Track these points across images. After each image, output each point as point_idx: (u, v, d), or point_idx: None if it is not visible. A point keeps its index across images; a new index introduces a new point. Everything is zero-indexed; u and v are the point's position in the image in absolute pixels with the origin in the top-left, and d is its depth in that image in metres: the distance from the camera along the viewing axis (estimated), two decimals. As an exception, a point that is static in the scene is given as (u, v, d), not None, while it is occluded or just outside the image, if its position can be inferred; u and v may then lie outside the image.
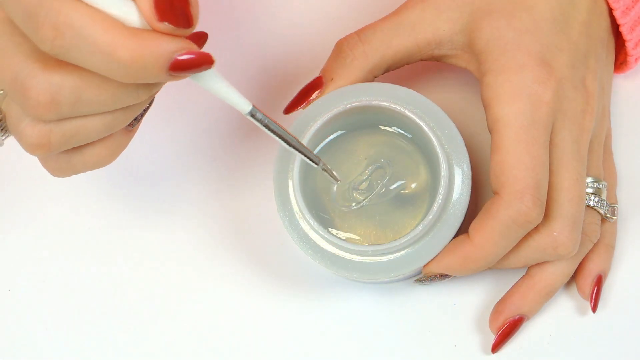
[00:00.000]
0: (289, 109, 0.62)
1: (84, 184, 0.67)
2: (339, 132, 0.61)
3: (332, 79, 0.61)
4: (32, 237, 0.67)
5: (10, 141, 0.54)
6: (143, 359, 0.65)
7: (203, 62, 0.49)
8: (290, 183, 0.59)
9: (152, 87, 0.50)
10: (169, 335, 0.65)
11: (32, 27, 0.47)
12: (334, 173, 0.59)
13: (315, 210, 0.59)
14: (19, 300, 0.66)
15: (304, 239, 0.59)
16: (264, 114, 0.53)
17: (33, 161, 0.68)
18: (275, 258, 0.65)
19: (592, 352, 0.63)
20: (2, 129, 0.53)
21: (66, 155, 0.53)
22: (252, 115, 0.53)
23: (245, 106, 0.52)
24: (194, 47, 0.48)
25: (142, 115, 0.54)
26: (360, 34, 0.61)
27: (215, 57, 0.49)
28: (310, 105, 0.61)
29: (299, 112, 0.61)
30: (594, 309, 0.62)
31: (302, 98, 0.62)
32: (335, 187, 0.60)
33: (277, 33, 0.69)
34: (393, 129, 0.61)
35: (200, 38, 0.56)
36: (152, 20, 0.47)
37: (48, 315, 0.66)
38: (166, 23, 0.47)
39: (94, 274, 0.66)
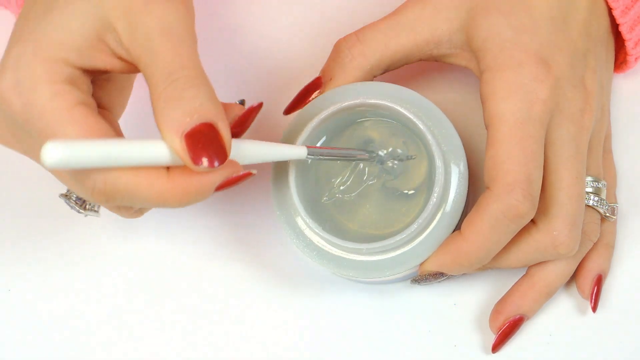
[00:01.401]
0: (289, 110, 0.62)
1: (85, 185, 0.68)
2: (325, 137, 0.61)
3: (331, 79, 0.61)
4: (32, 237, 0.67)
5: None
6: (143, 358, 0.65)
7: (243, 178, 0.51)
8: (287, 181, 0.59)
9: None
10: (168, 335, 0.65)
11: (84, 193, 0.50)
12: (398, 153, 0.60)
13: (312, 208, 0.59)
14: (19, 300, 0.66)
15: (300, 236, 0.59)
16: (318, 149, 0.57)
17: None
18: (274, 258, 0.65)
19: (592, 352, 0.63)
20: (91, 207, 0.59)
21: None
22: (312, 154, 0.56)
23: (302, 153, 0.55)
24: (235, 169, 0.50)
25: None
26: (359, 34, 0.61)
27: (254, 171, 0.52)
28: (307, 105, 0.61)
29: (297, 112, 0.61)
30: (594, 309, 0.62)
31: (302, 98, 0.62)
32: (335, 181, 0.61)
33: (277, 33, 0.69)
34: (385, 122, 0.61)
35: (253, 111, 0.56)
36: (190, 164, 0.49)
37: (48, 315, 0.66)
38: (201, 165, 0.49)
39: (94, 274, 0.66)
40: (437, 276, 0.60)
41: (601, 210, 0.61)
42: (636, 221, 0.64)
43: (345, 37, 0.61)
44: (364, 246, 0.57)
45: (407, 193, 0.60)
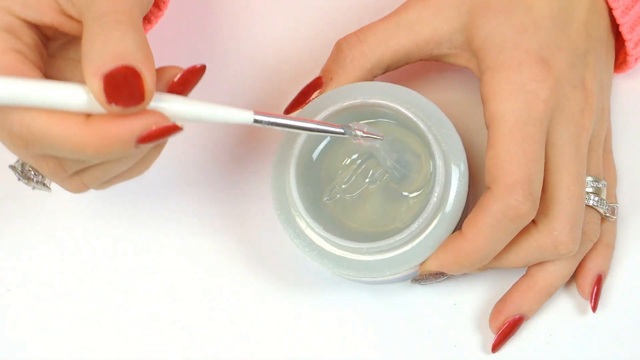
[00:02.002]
0: (289, 110, 0.62)
1: (85, 185, 0.68)
2: (329, 139, 0.61)
3: (331, 79, 0.61)
4: (32, 237, 0.67)
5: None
6: (143, 357, 0.65)
7: (171, 132, 0.49)
8: (287, 180, 0.59)
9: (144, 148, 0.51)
10: (168, 335, 0.65)
11: (4, 138, 0.49)
12: (373, 133, 0.57)
13: (312, 208, 0.59)
14: (19, 300, 0.66)
15: (300, 236, 0.59)
16: (267, 115, 0.52)
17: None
18: (274, 258, 0.65)
19: (592, 352, 0.63)
20: (40, 181, 0.57)
21: (105, 183, 0.55)
22: (258, 122, 0.52)
23: (248, 117, 0.52)
24: (159, 120, 0.48)
25: None
26: (359, 34, 0.61)
27: (182, 124, 0.49)
28: (308, 105, 0.61)
29: (298, 112, 0.61)
30: (594, 309, 0.62)
31: (302, 98, 0.62)
32: (336, 178, 0.61)
33: (277, 33, 0.69)
34: (386, 123, 0.61)
35: (195, 73, 0.52)
36: (103, 104, 0.47)
37: (48, 315, 0.66)
38: (114, 105, 0.47)
39: (94, 274, 0.66)
40: (437, 276, 0.60)
41: (601, 210, 0.61)
42: (636, 221, 0.64)
43: (346, 37, 0.61)
44: (364, 246, 0.57)
45: (407, 194, 0.60)
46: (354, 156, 0.61)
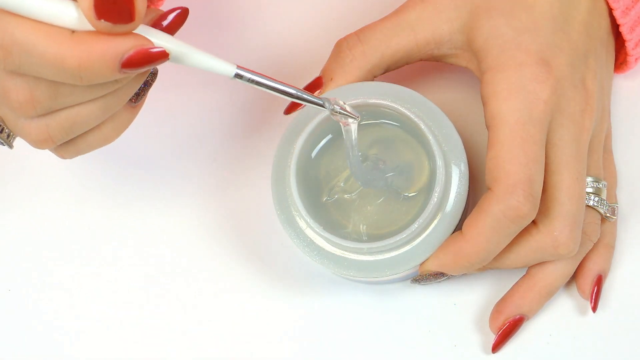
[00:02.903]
0: (289, 110, 0.62)
1: (84, 185, 0.68)
2: (331, 135, 0.61)
3: (331, 79, 0.61)
4: (32, 237, 0.67)
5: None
6: (143, 357, 0.65)
7: (157, 58, 0.48)
8: (287, 180, 0.59)
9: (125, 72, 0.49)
10: (168, 335, 0.65)
11: None
12: (349, 110, 0.56)
13: (312, 208, 0.59)
14: (19, 300, 0.66)
15: (301, 236, 0.59)
16: (250, 72, 0.51)
17: (32, 161, 0.68)
18: (274, 258, 0.65)
19: (592, 352, 0.63)
20: (7, 134, 0.53)
21: (70, 141, 0.53)
22: (240, 77, 0.51)
23: (230, 70, 0.50)
24: (145, 42, 0.48)
25: (144, 90, 0.54)
26: (359, 34, 0.61)
27: (170, 49, 0.48)
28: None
29: (297, 112, 0.61)
30: (594, 309, 0.62)
31: (303, 98, 0.62)
32: (336, 178, 0.61)
33: (277, 33, 0.69)
34: (388, 124, 0.61)
35: (180, 15, 0.52)
36: (92, 20, 0.46)
37: (48, 315, 0.66)
38: (103, 21, 0.46)
39: (94, 274, 0.66)
40: (437, 276, 0.60)
41: (601, 211, 0.61)
42: (636, 221, 0.64)
43: (346, 37, 0.61)
44: (364, 246, 0.57)
45: (407, 194, 0.60)
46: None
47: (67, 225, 0.67)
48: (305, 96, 0.53)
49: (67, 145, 0.54)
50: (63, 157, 0.55)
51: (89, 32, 0.47)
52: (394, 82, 0.61)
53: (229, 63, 0.50)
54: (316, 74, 0.62)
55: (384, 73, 0.62)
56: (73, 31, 0.47)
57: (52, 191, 0.67)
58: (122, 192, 0.67)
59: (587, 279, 0.62)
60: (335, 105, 0.55)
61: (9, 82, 0.49)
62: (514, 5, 0.58)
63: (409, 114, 0.58)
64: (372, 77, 0.62)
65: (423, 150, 0.60)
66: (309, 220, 0.58)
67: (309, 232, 0.59)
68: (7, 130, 0.53)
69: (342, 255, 0.59)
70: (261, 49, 0.69)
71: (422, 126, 0.58)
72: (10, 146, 0.54)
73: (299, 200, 0.58)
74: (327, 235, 0.58)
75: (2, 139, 0.54)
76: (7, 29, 0.47)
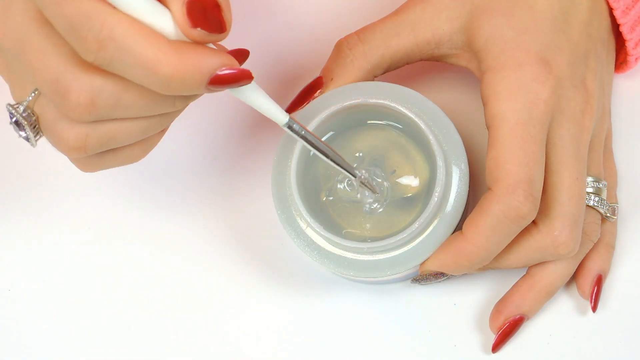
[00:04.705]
0: (289, 110, 0.62)
1: (84, 185, 0.68)
2: (333, 132, 0.61)
3: (332, 79, 0.61)
4: (32, 237, 0.67)
5: (11, 142, 0.54)
6: (143, 357, 0.65)
7: (242, 78, 0.49)
8: (287, 180, 0.59)
9: (190, 97, 0.51)
10: (168, 335, 0.65)
11: (75, 37, 0.47)
12: (373, 184, 0.59)
13: (313, 207, 0.59)
14: (19, 300, 0.66)
15: (301, 235, 0.59)
16: (301, 126, 0.54)
17: (33, 160, 0.68)
18: (275, 258, 0.65)
19: (592, 352, 0.63)
20: (35, 130, 0.53)
21: (99, 155, 0.53)
22: (289, 127, 0.54)
23: (283, 118, 0.53)
24: (234, 62, 0.49)
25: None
26: (359, 34, 0.61)
27: (254, 73, 0.50)
28: (308, 104, 0.61)
29: (298, 111, 0.61)
30: (594, 309, 0.62)
31: (303, 98, 0.62)
32: (337, 183, 0.61)
33: (277, 33, 0.69)
34: (388, 124, 0.61)
35: (242, 55, 0.56)
36: (186, 27, 0.47)
37: (48, 315, 0.66)
38: (199, 29, 0.47)
39: (94, 274, 0.66)
40: (437, 276, 0.60)
41: (602, 211, 0.61)
42: (636, 221, 0.64)
43: (346, 37, 0.61)
44: (364, 245, 0.57)
45: (408, 195, 0.60)
46: (357, 154, 0.61)
47: (67, 226, 0.67)
48: (343, 165, 0.57)
49: (96, 157, 0.54)
50: (84, 170, 0.55)
51: (185, 43, 0.48)
52: (394, 82, 0.61)
53: (283, 112, 0.53)
54: (316, 74, 0.62)
55: (384, 73, 0.62)
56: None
57: (52, 191, 0.67)
58: (122, 191, 0.67)
59: (587, 279, 0.62)
60: (361, 180, 0.58)
61: (74, 81, 0.49)
62: (514, 5, 0.58)
63: (409, 114, 0.58)
64: (372, 77, 0.62)
65: (423, 151, 0.60)
66: (309, 220, 0.58)
67: (309, 232, 0.59)
68: (38, 127, 0.53)
69: (342, 255, 0.59)
70: (261, 49, 0.69)
71: (423, 126, 0.58)
72: (34, 145, 0.53)
73: (299, 200, 0.58)
74: (327, 235, 0.58)
75: (30, 136, 0.53)
76: (107, 23, 0.47)
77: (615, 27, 0.62)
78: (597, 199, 0.60)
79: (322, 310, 0.64)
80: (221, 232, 0.66)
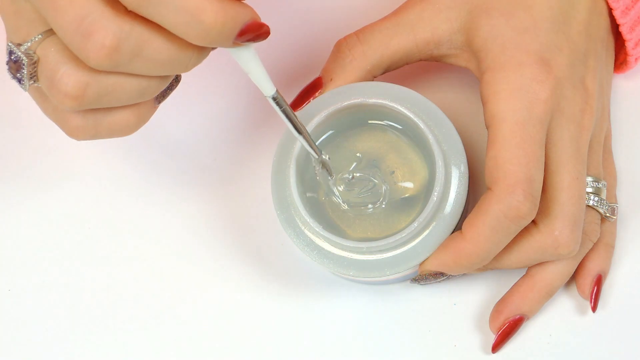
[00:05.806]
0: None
1: (84, 185, 0.68)
2: (333, 131, 0.61)
3: (331, 79, 0.61)
4: (32, 237, 0.67)
5: (12, 142, 0.54)
6: (143, 357, 0.65)
7: (263, 33, 0.50)
8: (287, 180, 0.59)
9: (202, 57, 0.51)
10: (168, 335, 0.65)
11: None
12: (331, 168, 0.59)
13: (312, 207, 0.60)
14: (19, 300, 0.66)
15: (300, 235, 0.59)
16: (284, 100, 0.55)
17: (33, 160, 0.68)
18: (274, 258, 0.65)
19: (592, 352, 0.63)
20: (31, 75, 0.51)
21: (94, 114, 0.52)
22: (274, 99, 0.54)
23: (270, 89, 0.54)
24: (258, 18, 0.50)
25: (167, 92, 0.54)
26: (359, 35, 0.61)
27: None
28: (308, 105, 0.61)
29: (297, 111, 0.61)
30: (593, 309, 0.62)
31: (302, 99, 0.62)
32: (330, 182, 0.61)
33: (277, 33, 0.69)
34: (388, 125, 0.61)
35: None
36: None
37: (48, 315, 0.66)
38: None
39: (94, 274, 0.66)
40: (437, 276, 0.60)
41: (601, 211, 0.61)
42: (636, 221, 0.64)
43: (346, 37, 0.61)
44: (364, 245, 0.57)
45: (408, 196, 0.60)
46: (357, 154, 0.61)
47: (67, 225, 0.67)
48: (311, 144, 0.57)
49: (90, 116, 0.52)
50: (73, 135, 0.53)
51: None
52: (394, 82, 0.61)
53: (272, 86, 0.54)
54: (316, 74, 0.62)
55: (383, 73, 0.62)
56: None
57: (52, 191, 0.67)
58: (122, 191, 0.67)
59: (587, 279, 0.62)
60: (325, 158, 0.59)
61: (102, 21, 0.47)
62: (514, 5, 0.58)
63: (409, 113, 0.58)
64: (372, 77, 0.62)
65: (423, 150, 0.60)
66: (308, 220, 0.58)
67: (309, 232, 0.59)
68: (34, 69, 0.51)
69: (342, 255, 0.59)
70: (261, 49, 0.69)
71: (422, 126, 0.58)
72: (26, 88, 0.52)
73: (299, 200, 0.58)
74: (326, 234, 0.58)
75: (24, 76, 0.51)
76: None
77: (615, 27, 0.62)
78: (596, 198, 0.60)
79: (322, 310, 0.64)
80: (221, 232, 0.66)
